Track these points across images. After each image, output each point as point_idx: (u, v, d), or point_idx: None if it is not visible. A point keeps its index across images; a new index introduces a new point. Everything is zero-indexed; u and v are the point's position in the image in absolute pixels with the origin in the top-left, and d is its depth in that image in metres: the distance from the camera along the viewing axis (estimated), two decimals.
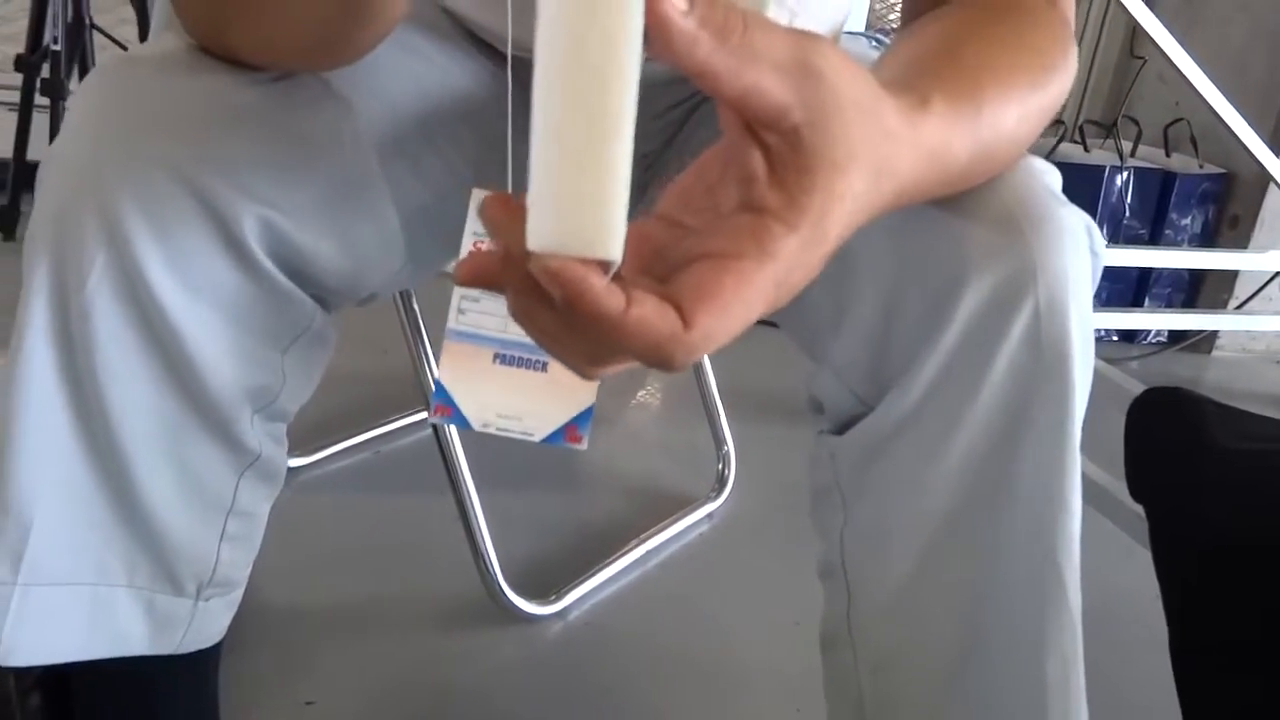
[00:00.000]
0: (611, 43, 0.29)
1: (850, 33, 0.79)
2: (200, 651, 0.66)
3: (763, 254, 0.34)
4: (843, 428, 0.59)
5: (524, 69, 0.31)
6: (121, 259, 0.51)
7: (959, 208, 0.50)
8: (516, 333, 0.51)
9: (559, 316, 0.34)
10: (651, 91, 0.71)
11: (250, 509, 0.63)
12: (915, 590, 0.56)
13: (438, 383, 0.50)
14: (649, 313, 0.33)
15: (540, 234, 0.31)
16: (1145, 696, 0.91)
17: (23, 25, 1.88)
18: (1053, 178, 0.55)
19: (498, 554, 1.00)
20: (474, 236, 0.50)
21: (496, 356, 0.51)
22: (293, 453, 1.24)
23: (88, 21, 1.88)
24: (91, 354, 0.53)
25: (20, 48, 1.87)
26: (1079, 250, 0.51)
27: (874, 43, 0.75)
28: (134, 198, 0.50)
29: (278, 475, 0.65)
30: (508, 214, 0.33)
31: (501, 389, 0.51)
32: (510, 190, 0.50)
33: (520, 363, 0.51)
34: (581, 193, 0.31)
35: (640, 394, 1.63)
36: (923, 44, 0.47)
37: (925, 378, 0.52)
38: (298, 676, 0.92)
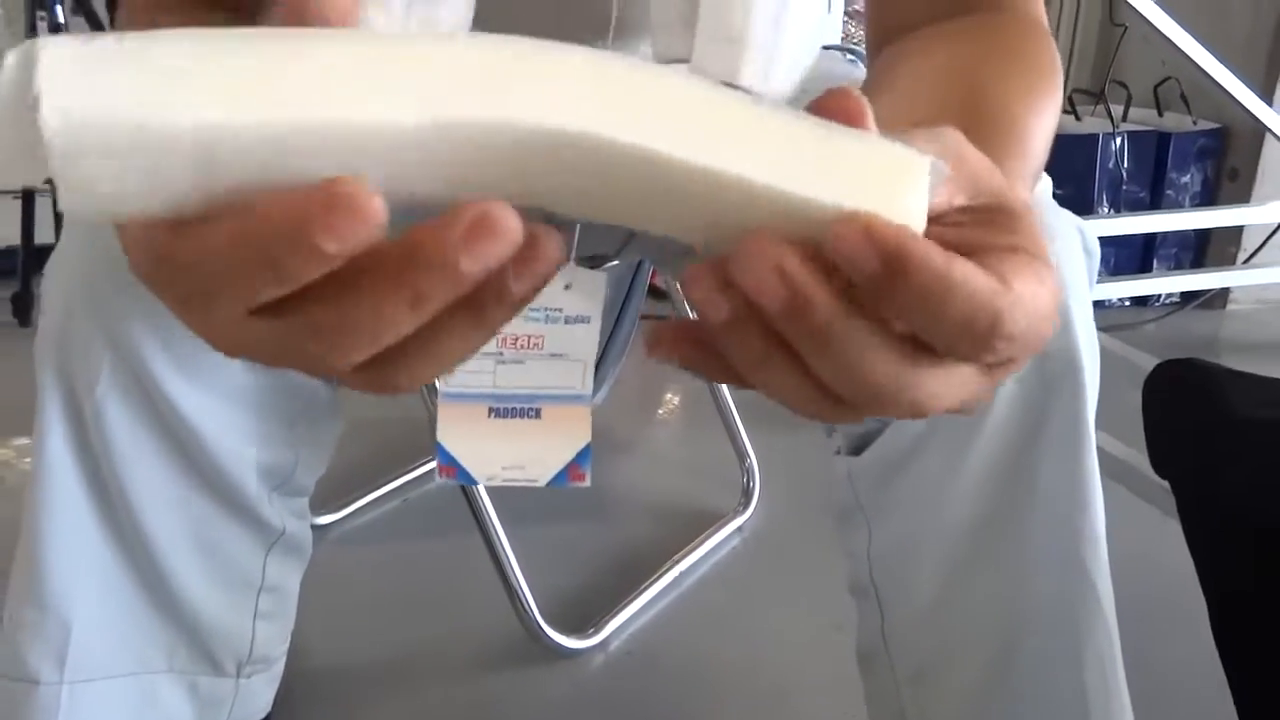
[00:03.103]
0: None
1: (826, 47, 0.79)
2: None
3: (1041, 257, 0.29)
4: (858, 446, 0.59)
5: None
6: (127, 360, 0.52)
7: None
8: (504, 386, 0.51)
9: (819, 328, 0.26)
10: None
11: (280, 584, 0.65)
12: (946, 603, 0.56)
13: (439, 445, 0.51)
14: (971, 269, 0.26)
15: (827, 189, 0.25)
16: (1189, 669, 0.91)
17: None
18: (1041, 182, 0.55)
19: (532, 591, 1.00)
20: None
21: (490, 411, 0.52)
22: (323, 509, 1.26)
23: None
24: (110, 453, 0.55)
25: None
26: (1074, 253, 0.51)
27: (849, 56, 0.76)
28: (132, 300, 0.52)
29: (304, 549, 0.66)
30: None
31: (500, 441, 0.52)
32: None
33: (513, 413, 0.52)
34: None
35: (658, 414, 1.64)
36: (936, 82, 0.46)
37: None
38: None
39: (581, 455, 0.52)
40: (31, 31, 1.86)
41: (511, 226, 0.24)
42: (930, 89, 0.46)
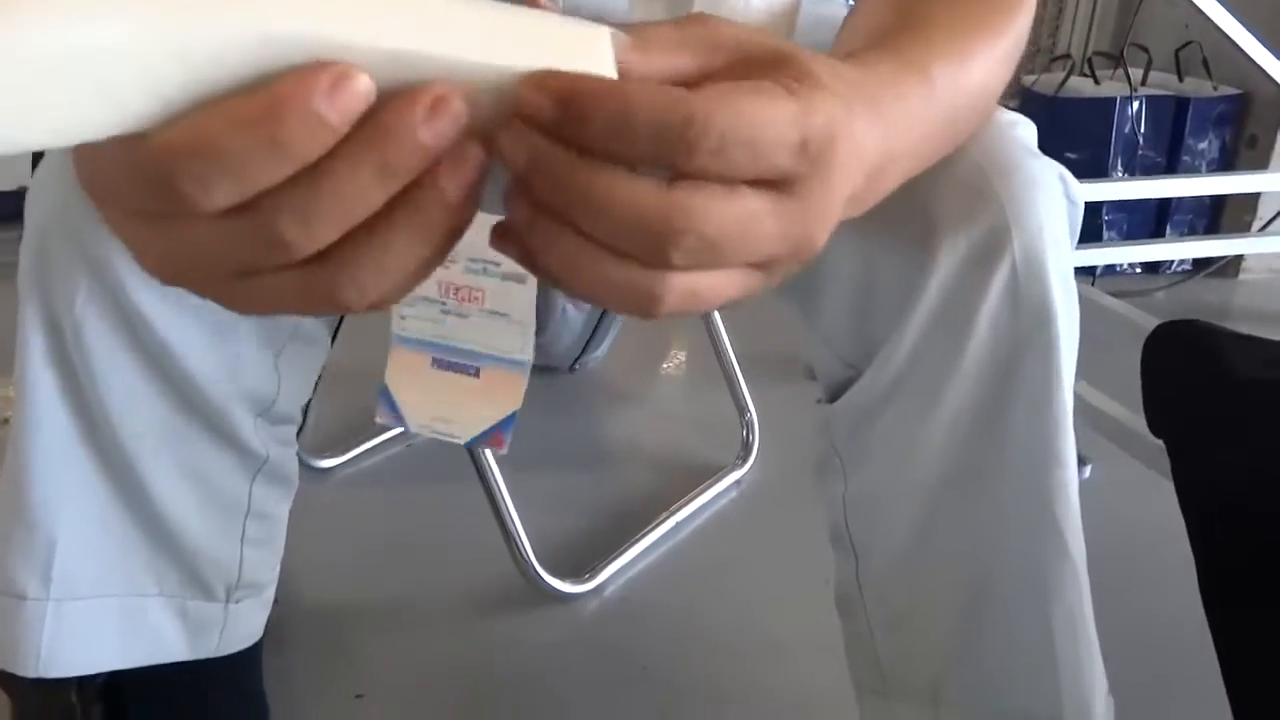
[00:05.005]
0: None
1: None
2: (242, 652, 0.69)
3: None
4: (835, 394, 0.60)
5: None
6: (104, 281, 0.53)
7: (928, 168, 0.50)
8: (450, 336, 0.53)
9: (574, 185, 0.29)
10: None
11: (267, 511, 0.66)
12: (918, 549, 0.57)
13: (383, 387, 0.53)
14: (645, 86, 0.29)
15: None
16: (1182, 626, 0.92)
17: None
18: (1024, 129, 0.55)
19: (529, 536, 1.02)
20: None
21: (434, 361, 0.53)
22: (326, 453, 1.27)
23: None
24: (90, 373, 0.56)
25: None
26: (1053, 202, 0.51)
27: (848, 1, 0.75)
28: None
29: (290, 477, 0.67)
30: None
31: (438, 393, 0.53)
32: None
33: (455, 368, 0.53)
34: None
35: (660, 366, 1.65)
36: (873, 16, 0.47)
37: (908, 341, 0.52)
38: (346, 671, 0.94)
39: (506, 422, 0.53)
40: None
41: (459, 108, 0.27)
42: (868, 18, 0.47)
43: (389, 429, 1.35)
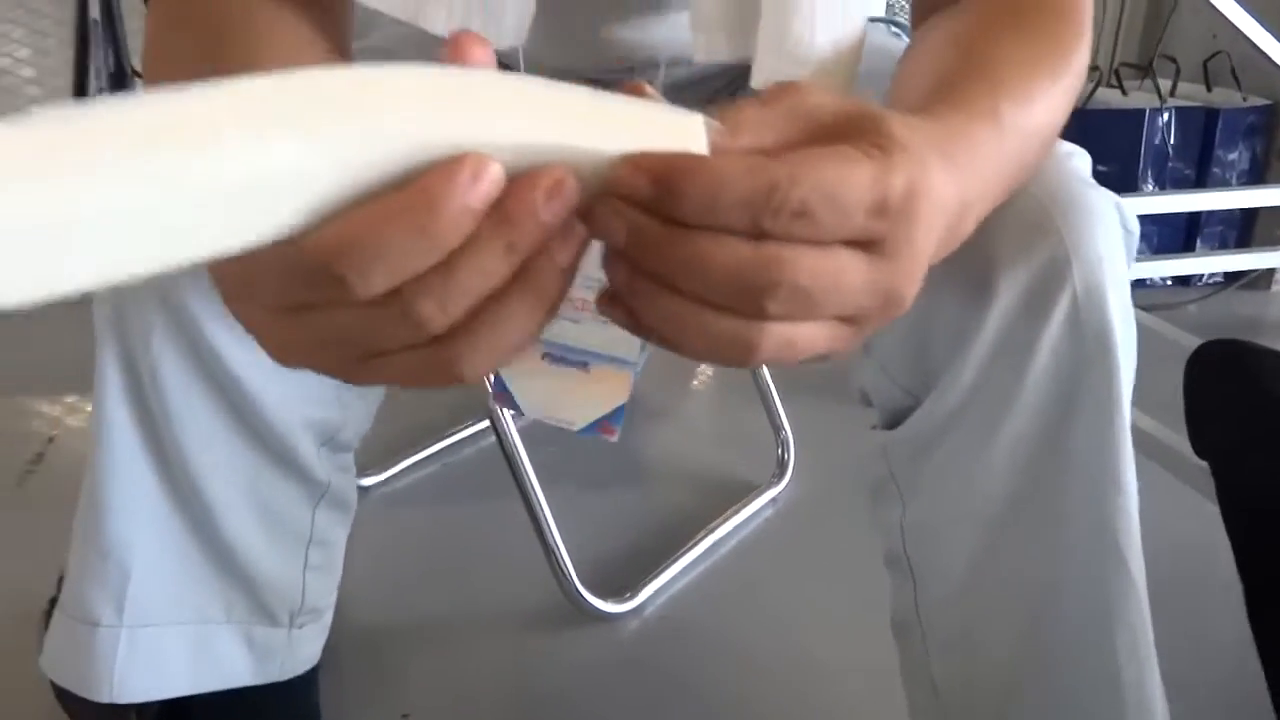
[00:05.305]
0: None
1: (872, 19, 0.79)
2: (299, 676, 0.70)
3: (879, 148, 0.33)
4: (893, 421, 0.60)
5: None
6: (179, 320, 0.55)
7: None
8: (561, 337, 0.56)
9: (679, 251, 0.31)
10: (674, 94, 0.73)
11: (328, 538, 0.67)
12: (979, 576, 0.57)
13: (499, 376, 0.56)
14: (727, 159, 0.31)
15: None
16: (1228, 651, 0.91)
17: (69, 79, 1.94)
18: (1080, 160, 0.55)
19: (570, 555, 1.02)
20: None
21: (545, 355, 0.56)
22: (364, 472, 1.28)
23: (129, 70, 1.93)
24: (165, 410, 0.57)
25: (67, 99, 1.92)
26: (1111, 232, 0.52)
27: (893, 29, 0.76)
28: None
29: (349, 504, 0.69)
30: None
31: (548, 384, 0.56)
32: None
33: (564, 361, 0.56)
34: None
35: (694, 384, 1.65)
36: (936, 58, 0.48)
37: (969, 371, 0.53)
38: (392, 690, 0.95)
39: (616, 414, 0.56)
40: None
41: (573, 189, 0.29)
42: (931, 60, 0.48)
43: (426, 446, 1.37)
